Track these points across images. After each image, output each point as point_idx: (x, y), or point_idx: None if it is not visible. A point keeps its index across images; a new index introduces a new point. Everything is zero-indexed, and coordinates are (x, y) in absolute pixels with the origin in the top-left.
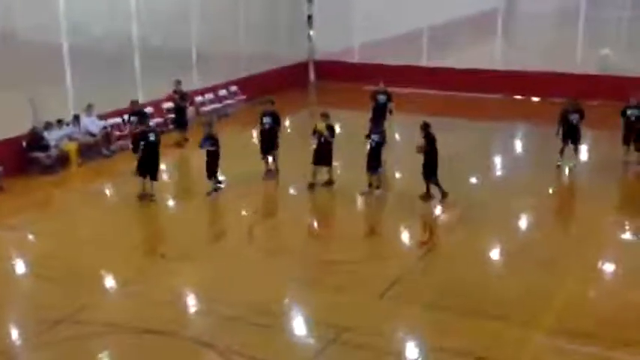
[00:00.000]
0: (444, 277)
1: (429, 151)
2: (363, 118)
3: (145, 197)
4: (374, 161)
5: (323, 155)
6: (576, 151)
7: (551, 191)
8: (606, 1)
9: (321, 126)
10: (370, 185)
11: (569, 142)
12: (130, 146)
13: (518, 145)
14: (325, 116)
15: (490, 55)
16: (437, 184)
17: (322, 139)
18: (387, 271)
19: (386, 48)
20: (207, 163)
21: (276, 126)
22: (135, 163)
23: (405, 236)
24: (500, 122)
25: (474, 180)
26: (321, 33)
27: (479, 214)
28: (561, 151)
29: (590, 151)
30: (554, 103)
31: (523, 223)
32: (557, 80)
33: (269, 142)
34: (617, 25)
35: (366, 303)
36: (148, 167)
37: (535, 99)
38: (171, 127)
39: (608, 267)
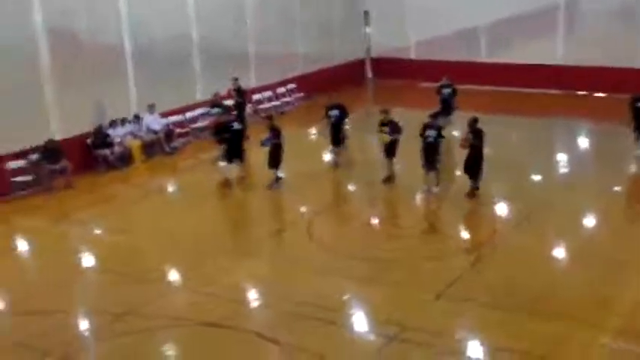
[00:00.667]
0: (505, 277)
1: (475, 147)
2: (420, 116)
3: (228, 183)
4: (430, 158)
5: (388, 150)
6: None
7: (616, 189)
8: None
9: (384, 138)
10: (428, 183)
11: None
12: (212, 136)
13: (582, 142)
14: (385, 112)
15: (551, 50)
16: (476, 179)
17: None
18: (448, 270)
19: (444, 44)
20: (270, 153)
21: (344, 118)
22: (217, 153)
23: (466, 234)
24: (561, 119)
25: (536, 178)
26: (378, 30)
27: (542, 212)
28: (635, 140)
29: None
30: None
31: (588, 221)
32: (620, 75)
33: (337, 135)
34: None
35: (427, 301)
36: (234, 153)
37: (598, 95)
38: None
39: None
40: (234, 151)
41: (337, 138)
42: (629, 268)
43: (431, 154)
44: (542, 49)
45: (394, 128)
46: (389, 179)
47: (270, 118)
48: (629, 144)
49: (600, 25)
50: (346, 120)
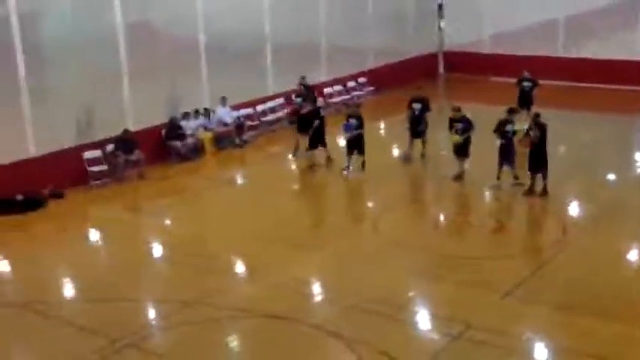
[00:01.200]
0: (573, 278)
1: (538, 143)
2: (493, 112)
3: (314, 166)
4: (508, 154)
5: (459, 147)
6: None
7: None
8: None
9: (455, 138)
10: (499, 179)
11: None
12: (290, 123)
13: None
14: (457, 110)
15: (630, 45)
16: (545, 176)
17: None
18: (515, 269)
19: (518, 38)
20: (348, 141)
21: (426, 111)
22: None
23: (535, 234)
24: (638, 116)
25: (609, 176)
26: (452, 23)
27: (613, 213)
28: None
29: None
30: None
31: None
32: None
33: (418, 127)
34: None
35: (491, 300)
36: (317, 140)
37: None
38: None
39: None
40: (317, 139)
41: (417, 131)
42: None
43: (509, 150)
44: (622, 43)
45: (466, 126)
46: (459, 177)
47: (358, 106)
48: None
49: None
50: (428, 114)
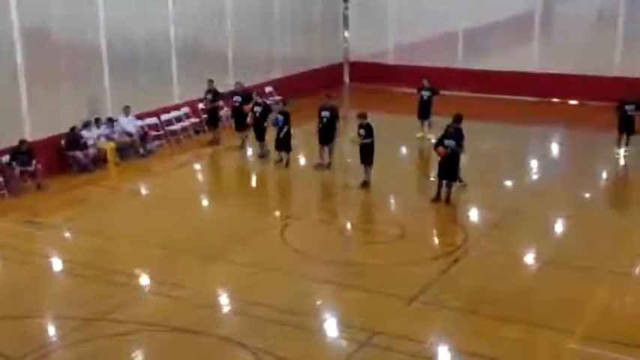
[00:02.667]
0: (477, 282)
1: (451, 153)
2: (397, 120)
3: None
4: (450, 168)
5: (364, 155)
6: (628, 141)
7: (587, 195)
8: None
9: (353, 135)
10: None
11: (625, 133)
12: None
13: (555, 149)
14: (362, 116)
15: (527, 57)
16: (450, 185)
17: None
18: (420, 275)
19: (421, 50)
20: (276, 140)
21: (335, 120)
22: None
23: (439, 240)
24: (536, 126)
25: (508, 185)
26: (357, 34)
27: (513, 218)
28: (618, 143)
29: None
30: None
31: (557, 229)
32: (594, 83)
33: (327, 135)
34: None
35: (397, 306)
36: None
37: (572, 102)
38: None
39: None
40: (260, 135)
41: (325, 139)
42: (597, 274)
43: (449, 165)
44: (518, 56)
45: (368, 133)
46: (365, 184)
47: (285, 103)
48: (602, 150)
49: (575, 33)
50: (337, 122)
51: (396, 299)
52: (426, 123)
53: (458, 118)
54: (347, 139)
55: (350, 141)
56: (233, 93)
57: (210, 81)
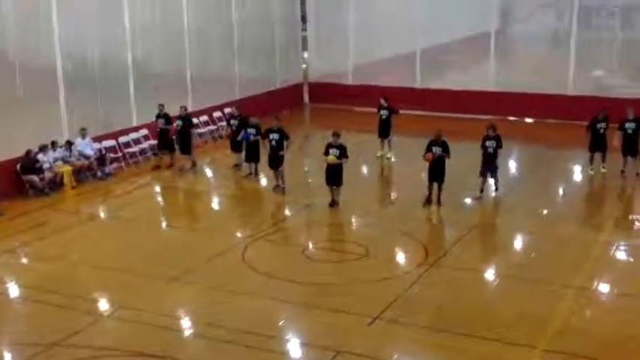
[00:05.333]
0: (440, 299)
1: (438, 159)
2: (356, 139)
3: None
4: (440, 171)
5: (333, 176)
6: (604, 158)
7: (546, 212)
8: (597, 23)
9: (332, 158)
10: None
11: (598, 150)
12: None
13: (513, 166)
14: (336, 135)
15: (483, 76)
16: (440, 188)
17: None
18: (383, 293)
19: (380, 70)
20: (246, 151)
21: (284, 140)
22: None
23: (402, 258)
24: None
25: (470, 201)
26: (316, 55)
27: (475, 235)
28: (590, 161)
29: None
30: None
31: (518, 244)
32: (549, 101)
33: (276, 159)
34: (608, 46)
35: (361, 325)
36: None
37: (528, 120)
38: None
39: (604, 287)
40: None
41: (275, 164)
42: (557, 289)
43: (439, 167)
44: (475, 75)
45: (342, 152)
46: (334, 204)
47: (244, 115)
48: (559, 167)
49: (530, 52)
50: (286, 143)
51: (359, 318)
52: (386, 142)
53: (438, 134)
54: (318, 158)
55: (325, 160)
56: (178, 117)
57: (161, 105)
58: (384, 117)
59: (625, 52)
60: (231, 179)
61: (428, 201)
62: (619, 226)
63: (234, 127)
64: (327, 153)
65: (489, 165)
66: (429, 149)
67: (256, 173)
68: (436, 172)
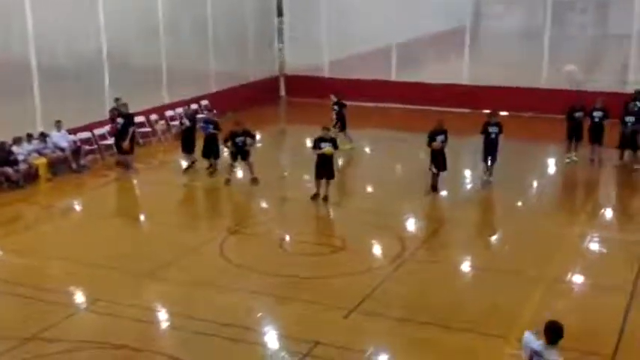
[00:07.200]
0: (415, 292)
1: (440, 149)
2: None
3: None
4: (443, 161)
5: (326, 169)
6: (577, 147)
7: (519, 204)
8: (569, 19)
9: (329, 150)
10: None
11: (574, 138)
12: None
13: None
14: (327, 129)
15: (457, 70)
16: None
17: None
18: (358, 286)
19: (356, 63)
20: (205, 144)
21: (252, 141)
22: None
23: (376, 251)
24: (467, 136)
25: (444, 195)
26: (293, 48)
27: (450, 228)
28: (568, 149)
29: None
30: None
31: (493, 237)
32: (522, 95)
33: (243, 152)
34: (580, 42)
35: (337, 317)
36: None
37: (503, 113)
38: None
39: (576, 278)
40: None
41: (243, 154)
42: (530, 281)
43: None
44: (449, 68)
45: (335, 145)
46: (325, 199)
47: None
48: (533, 160)
49: (504, 47)
50: (251, 142)
51: (335, 310)
52: (345, 135)
53: (440, 124)
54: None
55: (321, 153)
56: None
57: (117, 99)
58: (335, 110)
59: (597, 48)
60: (205, 174)
61: (434, 189)
62: (592, 217)
63: (185, 126)
64: (318, 147)
65: (492, 150)
66: (432, 139)
67: (215, 170)
68: (441, 161)
